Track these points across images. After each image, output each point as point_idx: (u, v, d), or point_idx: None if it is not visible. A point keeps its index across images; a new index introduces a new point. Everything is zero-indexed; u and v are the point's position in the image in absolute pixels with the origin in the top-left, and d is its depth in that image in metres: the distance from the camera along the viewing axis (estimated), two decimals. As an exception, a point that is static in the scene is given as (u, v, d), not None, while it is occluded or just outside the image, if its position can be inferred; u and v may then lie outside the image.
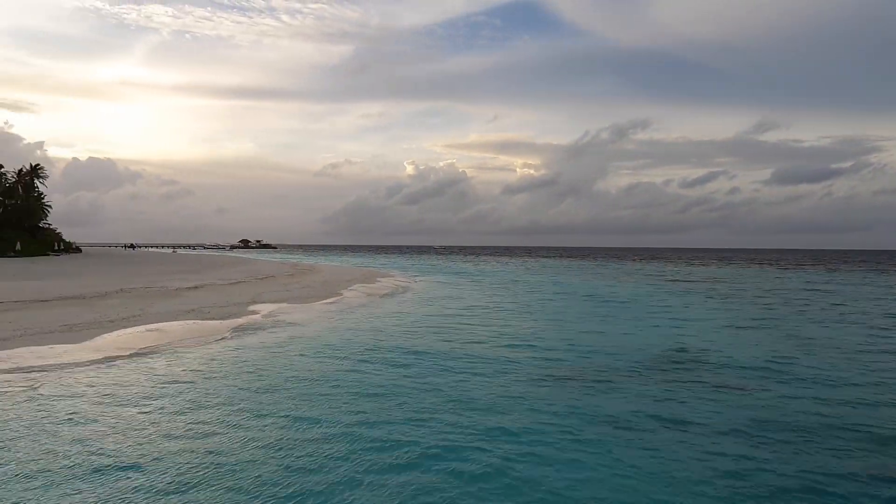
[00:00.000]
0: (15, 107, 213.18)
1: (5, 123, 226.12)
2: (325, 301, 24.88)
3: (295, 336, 15.83)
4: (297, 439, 7.49)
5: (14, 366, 11.17)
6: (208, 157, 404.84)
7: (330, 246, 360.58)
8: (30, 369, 10.95)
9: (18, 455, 6.72)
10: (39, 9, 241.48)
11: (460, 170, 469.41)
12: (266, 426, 8.03)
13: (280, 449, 7.13)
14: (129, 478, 6.16)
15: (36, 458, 6.67)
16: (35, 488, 5.87)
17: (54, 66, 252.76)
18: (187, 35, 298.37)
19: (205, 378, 10.76)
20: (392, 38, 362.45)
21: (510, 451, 7.20)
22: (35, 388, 9.73)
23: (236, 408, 8.88)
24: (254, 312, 20.25)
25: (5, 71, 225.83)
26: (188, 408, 8.84)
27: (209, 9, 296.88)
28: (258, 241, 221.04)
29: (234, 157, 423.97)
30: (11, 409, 8.49)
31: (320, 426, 8.05)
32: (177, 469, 6.43)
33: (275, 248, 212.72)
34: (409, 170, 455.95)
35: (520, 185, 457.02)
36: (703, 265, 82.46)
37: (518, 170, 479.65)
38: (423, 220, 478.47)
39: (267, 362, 12.32)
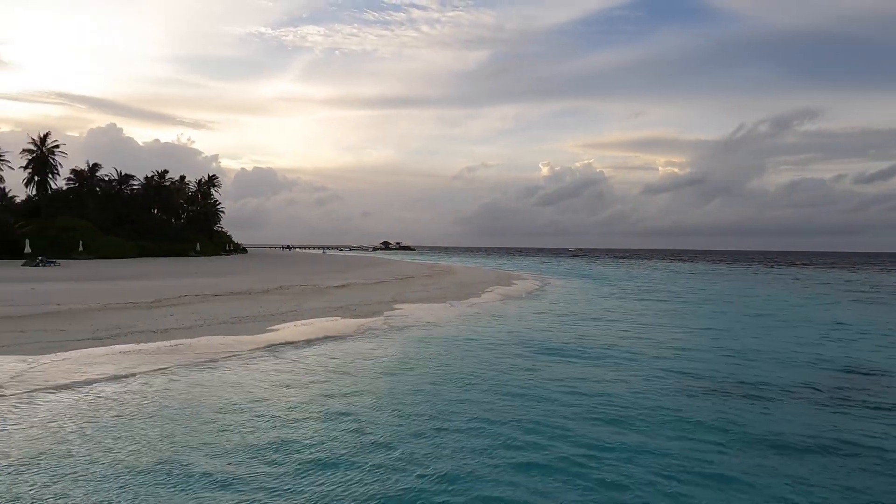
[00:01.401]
0: (196, 125, 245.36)
1: (188, 140, 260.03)
2: (463, 302, 25.35)
3: (435, 335, 16.28)
4: (432, 429, 7.67)
5: (200, 355, 12.72)
6: (354, 164, 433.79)
7: (465, 248, 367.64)
8: (215, 356, 12.41)
9: (223, 424, 7.65)
10: (214, 37, 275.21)
11: (597, 170, 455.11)
12: (407, 416, 8.33)
13: (418, 436, 7.36)
14: (280, 451, 6.74)
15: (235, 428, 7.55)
16: (237, 451, 6.64)
17: (226, 87, 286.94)
18: (336, 52, 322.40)
19: (356, 369, 11.44)
20: (528, 40, 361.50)
21: (661, 466, 6.77)
22: (214, 371, 11.03)
23: (383, 396, 9.32)
24: (396, 311, 21.19)
25: (189, 95, 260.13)
26: (346, 392, 9.46)
27: (356, 25, 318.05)
28: (398, 243, 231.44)
29: (377, 164, 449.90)
30: (212, 389, 9.69)
31: (456, 420, 8.17)
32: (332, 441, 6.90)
33: (413, 249, 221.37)
34: (545, 171, 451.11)
35: (662, 184, 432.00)
36: (887, 271, 71.86)
37: (660, 168, 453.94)
38: (558, 222, 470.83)
39: (409, 358, 12.80)
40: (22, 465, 6.35)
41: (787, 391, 10.60)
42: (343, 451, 7.04)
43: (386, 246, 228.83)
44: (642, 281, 47.09)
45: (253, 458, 6.78)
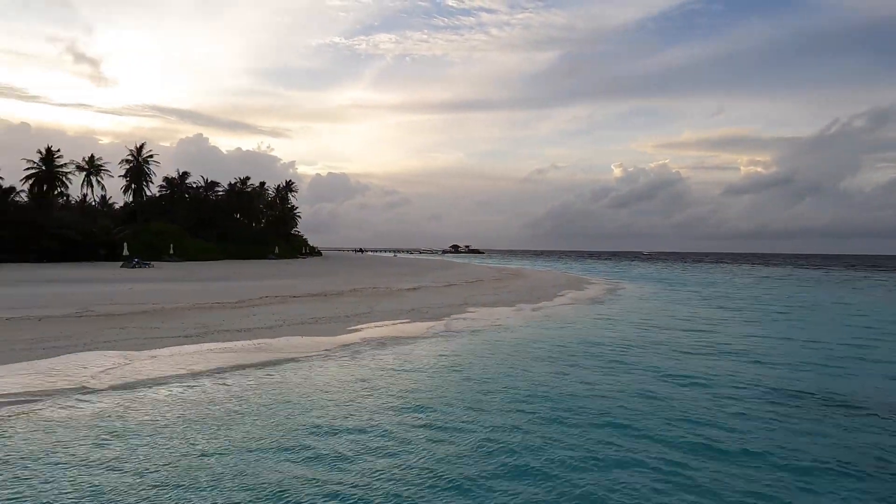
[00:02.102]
0: (274, 133, 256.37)
1: (267, 147, 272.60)
2: (533, 305, 25.06)
3: (506, 339, 16.16)
4: (494, 427, 7.60)
5: (282, 354, 13.26)
6: (423, 167, 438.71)
7: (534, 251, 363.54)
8: (296, 355, 12.91)
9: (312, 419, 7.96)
10: (291, 50, 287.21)
11: (673, 170, 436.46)
12: (476, 421, 8.30)
13: (496, 434, 7.31)
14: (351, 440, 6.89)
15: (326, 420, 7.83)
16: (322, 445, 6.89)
17: (302, 96, 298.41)
18: (407, 58, 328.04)
19: (429, 370, 11.55)
20: (600, 39, 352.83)
21: (757, 480, 6.40)
22: (297, 370, 11.46)
23: (453, 397, 9.35)
24: (467, 314, 21.23)
25: (268, 105, 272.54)
26: (421, 392, 9.57)
27: (426, 31, 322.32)
28: (467, 246, 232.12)
29: (446, 167, 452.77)
30: (293, 386, 10.10)
31: (525, 425, 8.07)
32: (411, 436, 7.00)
33: (482, 252, 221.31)
34: (617, 172, 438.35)
35: (744, 184, 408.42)
36: None
37: (742, 168, 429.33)
38: (632, 225, 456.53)
39: (481, 361, 12.77)
40: (146, 452, 6.83)
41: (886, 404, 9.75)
42: (422, 452, 7.12)
43: (455, 249, 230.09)
44: (724, 287, 44.80)
45: (331, 452, 6.97)
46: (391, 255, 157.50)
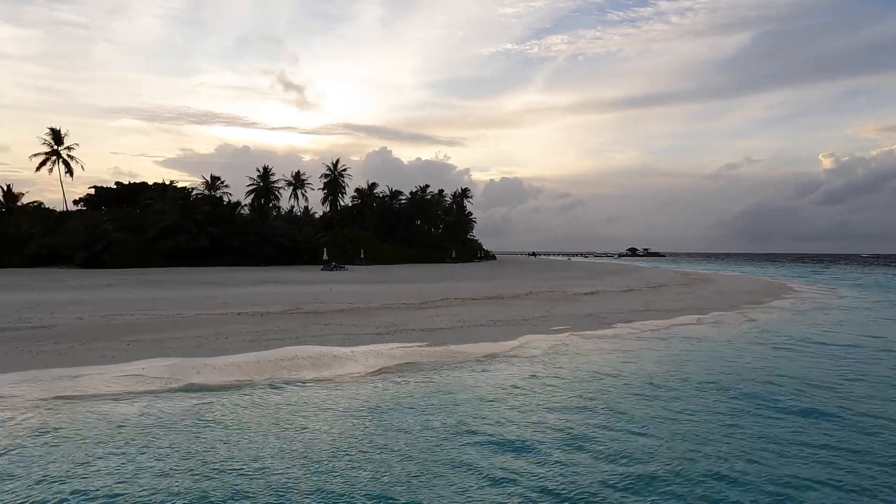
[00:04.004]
0: (450, 142, 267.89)
1: (444, 156, 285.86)
2: (725, 313, 22.88)
3: (697, 349, 15.00)
4: (672, 435, 7.04)
5: (465, 353, 13.84)
6: (597, 168, 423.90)
7: (723, 254, 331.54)
8: (478, 355, 13.40)
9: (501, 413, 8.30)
10: (464, 61, 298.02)
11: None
12: (665, 429, 7.82)
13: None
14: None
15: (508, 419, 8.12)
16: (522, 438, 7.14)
17: (475, 104, 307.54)
18: (580, 57, 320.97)
19: (616, 375, 11.18)
20: (803, 12, 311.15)
21: None
22: (482, 371, 11.88)
23: (646, 403, 8.93)
24: (648, 321, 20.09)
25: (444, 116, 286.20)
26: (613, 398, 9.35)
27: (599, 28, 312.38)
28: (646, 250, 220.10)
29: (621, 167, 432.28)
30: (478, 385, 10.56)
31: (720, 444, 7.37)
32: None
33: (663, 256, 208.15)
34: (826, 163, 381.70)
35: None
36: None
37: None
38: (847, 223, 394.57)
39: (669, 370, 12.01)
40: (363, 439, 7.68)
41: None
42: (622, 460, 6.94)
43: (633, 252, 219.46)
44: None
45: (512, 449, 7.10)
46: (565, 258, 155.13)
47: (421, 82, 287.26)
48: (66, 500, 5.80)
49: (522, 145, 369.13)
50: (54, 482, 6.18)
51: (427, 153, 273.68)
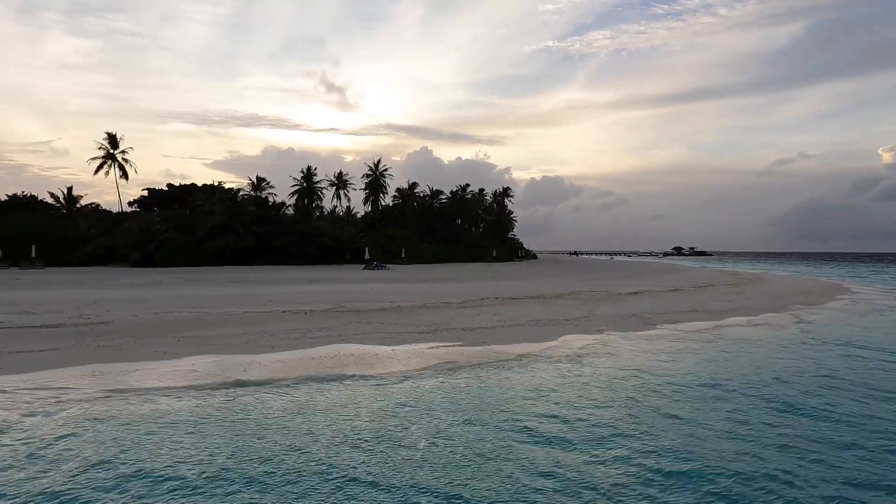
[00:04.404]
0: (490, 141, 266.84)
1: (484, 155, 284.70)
2: (777, 314, 22.07)
3: (748, 351, 14.52)
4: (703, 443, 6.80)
5: (506, 353, 13.79)
6: (640, 165, 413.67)
7: (774, 253, 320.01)
8: (519, 354, 13.34)
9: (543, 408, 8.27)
10: (505, 59, 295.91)
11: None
12: (705, 438, 7.59)
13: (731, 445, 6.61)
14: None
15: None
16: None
17: (516, 103, 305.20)
18: (623, 52, 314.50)
19: (664, 378, 10.95)
20: (860, 1, 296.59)
21: None
22: (522, 370, 11.82)
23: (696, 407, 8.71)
24: (693, 322, 19.57)
25: (484, 114, 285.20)
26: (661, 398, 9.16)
27: (643, 23, 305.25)
28: (692, 248, 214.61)
29: (666, 164, 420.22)
30: (521, 385, 10.53)
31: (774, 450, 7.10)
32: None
33: (710, 255, 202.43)
34: (887, 157, 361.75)
35: None
36: None
37: None
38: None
39: (721, 373, 11.66)
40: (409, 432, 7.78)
41: None
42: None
43: (678, 251, 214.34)
44: None
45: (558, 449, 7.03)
46: (608, 258, 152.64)
47: (461, 81, 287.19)
48: (120, 483, 6.06)
49: (564, 143, 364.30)
50: (110, 468, 6.46)
51: (467, 152, 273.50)
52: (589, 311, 21.41)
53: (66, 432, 7.69)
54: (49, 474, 6.36)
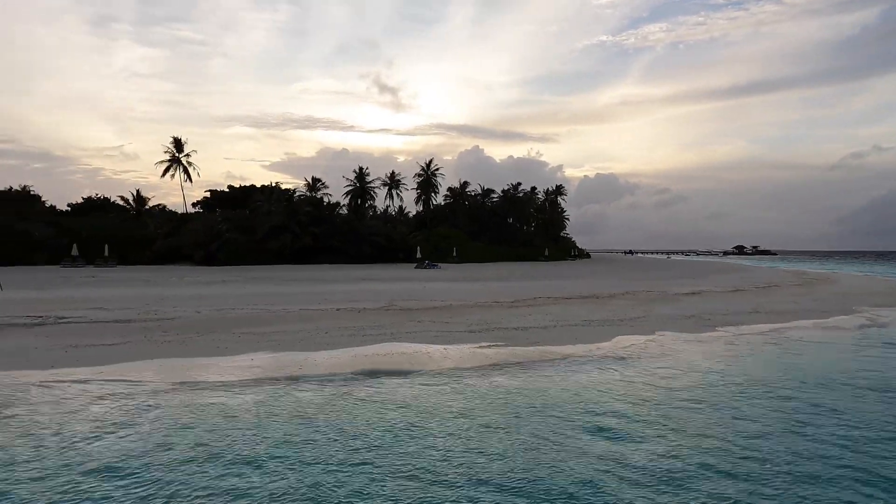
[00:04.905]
0: (543, 139, 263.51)
1: (537, 153, 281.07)
2: (848, 317, 20.84)
3: (818, 355, 13.80)
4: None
5: (558, 354, 13.64)
6: (699, 161, 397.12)
7: (846, 252, 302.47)
8: (571, 355, 13.17)
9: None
10: (558, 56, 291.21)
11: None
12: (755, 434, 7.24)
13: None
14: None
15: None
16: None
17: (568, 100, 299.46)
18: (680, 45, 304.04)
19: (723, 383, 10.57)
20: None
21: None
22: (574, 372, 11.65)
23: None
24: (757, 325, 18.75)
25: (536, 112, 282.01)
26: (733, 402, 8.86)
27: (702, 14, 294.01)
28: (754, 248, 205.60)
29: (726, 159, 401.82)
30: (575, 387, 10.41)
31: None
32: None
33: (774, 254, 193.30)
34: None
35: None
36: None
37: None
38: None
39: (778, 371, 11.14)
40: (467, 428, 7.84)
41: None
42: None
43: (739, 250, 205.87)
44: None
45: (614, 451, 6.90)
46: (664, 257, 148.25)
47: (513, 80, 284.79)
48: (186, 466, 6.35)
49: (617, 140, 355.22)
50: (175, 453, 6.79)
51: (519, 150, 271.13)
52: (644, 312, 20.88)
53: (135, 421, 8.12)
54: (121, 458, 6.74)
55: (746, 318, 20.08)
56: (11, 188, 67.42)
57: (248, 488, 6.10)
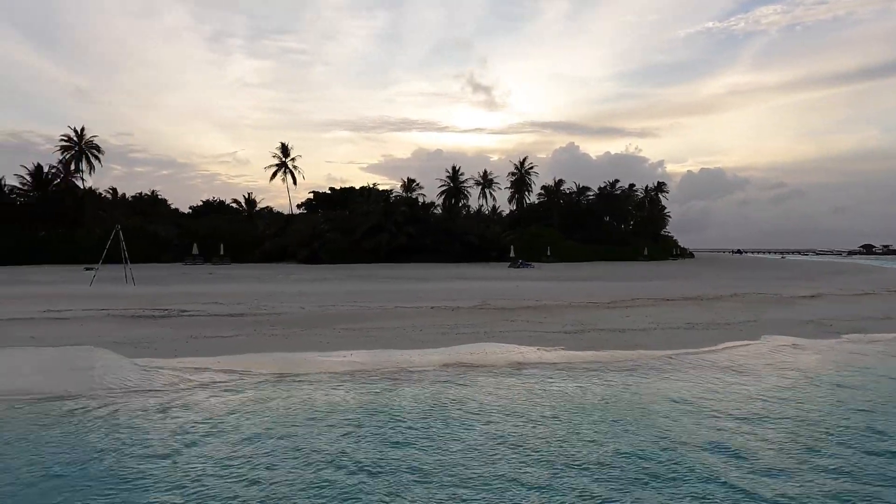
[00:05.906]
0: (642, 134, 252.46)
1: (636, 149, 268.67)
2: None
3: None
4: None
5: (658, 358, 13.05)
6: (819, 152, 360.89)
7: None
8: (672, 360, 12.55)
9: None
10: (657, 46, 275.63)
11: None
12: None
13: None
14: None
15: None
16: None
17: (670, 92, 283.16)
18: (798, 27, 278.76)
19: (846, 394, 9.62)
20: None
21: None
22: (675, 378, 11.09)
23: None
24: (892, 331, 16.86)
25: (634, 106, 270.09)
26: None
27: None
28: (885, 247, 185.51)
29: (851, 149, 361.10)
30: (675, 392, 9.94)
31: None
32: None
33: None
34: None
35: None
36: None
37: None
38: None
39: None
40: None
41: None
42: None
43: (868, 250, 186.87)
44: None
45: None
46: (778, 256, 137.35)
47: (610, 73, 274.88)
48: (289, 454, 6.72)
49: (725, 132, 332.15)
50: (279, 441, 7.20)
51: (616, 146, 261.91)
52: (755, 316, 19.44)
53: (247, 409, 8.70)
54: (230, 444, 7.25)
55: (877, 324, 18.13)
56: (142, 193, 75.15)
57: (351, 485, 6.33)
